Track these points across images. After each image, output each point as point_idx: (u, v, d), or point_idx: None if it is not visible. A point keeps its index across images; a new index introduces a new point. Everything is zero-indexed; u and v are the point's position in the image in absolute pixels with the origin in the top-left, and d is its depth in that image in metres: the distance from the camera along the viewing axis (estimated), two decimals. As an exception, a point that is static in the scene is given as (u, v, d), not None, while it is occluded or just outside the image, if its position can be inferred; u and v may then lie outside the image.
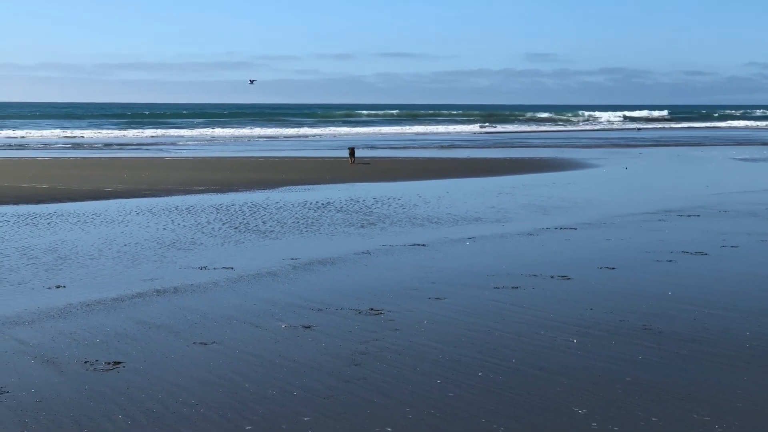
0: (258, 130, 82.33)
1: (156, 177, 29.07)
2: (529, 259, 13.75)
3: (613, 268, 12.92)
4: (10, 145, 53.80)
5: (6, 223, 17.83)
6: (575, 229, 17.21)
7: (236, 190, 24.92)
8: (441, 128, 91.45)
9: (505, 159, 40.66)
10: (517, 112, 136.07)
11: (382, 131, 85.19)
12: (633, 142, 59.09)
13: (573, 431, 6.48)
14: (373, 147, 52.46)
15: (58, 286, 11.71)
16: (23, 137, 66.76)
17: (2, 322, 9.71)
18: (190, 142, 59.81)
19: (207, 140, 64.52)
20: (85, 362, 8.24)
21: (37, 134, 70.32)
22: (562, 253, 14.39)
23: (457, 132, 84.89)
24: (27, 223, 17.85)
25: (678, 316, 9.99)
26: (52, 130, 75.50)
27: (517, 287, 11.59)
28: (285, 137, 71.59)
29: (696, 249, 14.55)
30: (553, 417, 6.77)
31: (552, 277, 12.22)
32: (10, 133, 71.67)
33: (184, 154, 44.68)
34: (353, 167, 34.20)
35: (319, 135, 77.16)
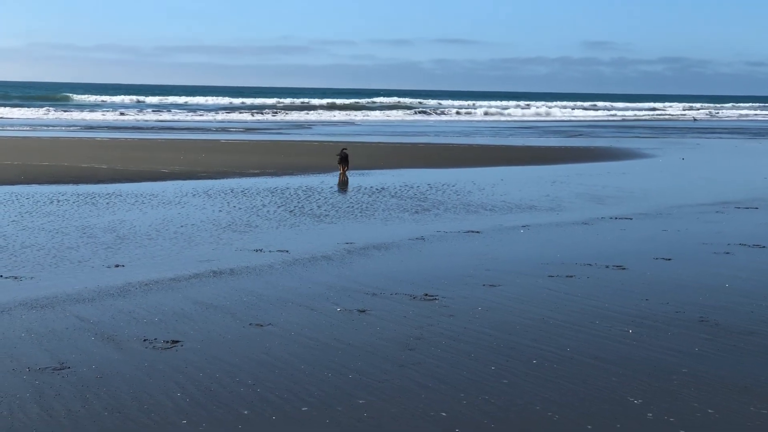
0: (320, 114, 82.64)
1: (212, 159, 29.32)
2: (583, 248, 13.69)
3: (669, 259, 12.82)
4: (68, 126, 54.56)
5: (66, 202, 18.13)
6: (631, 219, 17.10)
7: (291, 174, 25.07)
8: (500, 115, 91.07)
9: (560, 147, 40.42)
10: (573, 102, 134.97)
11: (430, 119, 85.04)
12: (690, 133, 58.42)
13: (628, 421, 6.47)
14: (424, 134, 52.42)
15: (117, 265, 11.89)
16: (83, 118, 67.62)
17: (63, 299, 9.90)
18: (243, 124, 60.20)
19: (260, 122, 64.89)
20: (144, 340, 8.37)
21: (98, 116, 71.15)
22: (617, 243, 14.31)
23: (511, 119, 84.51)
24: (86, 203, 18.13)
25: (735, 308, 9.90)
26: (111, 111, 76.37)
27: (571, 276, 11.55)
28: (344, 122, 71.74)
29: (754, 242, 14.39)
30: (608, 406, 6.77)
31: (607, 267, 12.17)
32: (65, 114, 72.63)
33: (240, 137, 44.98)
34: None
35: (369, 119, 77.27)
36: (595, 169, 28.97)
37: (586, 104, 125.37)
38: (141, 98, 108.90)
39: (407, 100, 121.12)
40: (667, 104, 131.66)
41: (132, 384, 7.13)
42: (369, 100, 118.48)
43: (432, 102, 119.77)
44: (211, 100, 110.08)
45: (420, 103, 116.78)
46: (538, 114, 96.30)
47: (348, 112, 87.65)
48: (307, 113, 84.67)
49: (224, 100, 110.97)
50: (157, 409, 6.58)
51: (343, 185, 22.59)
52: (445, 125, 68.13)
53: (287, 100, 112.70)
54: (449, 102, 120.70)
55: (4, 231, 14.45)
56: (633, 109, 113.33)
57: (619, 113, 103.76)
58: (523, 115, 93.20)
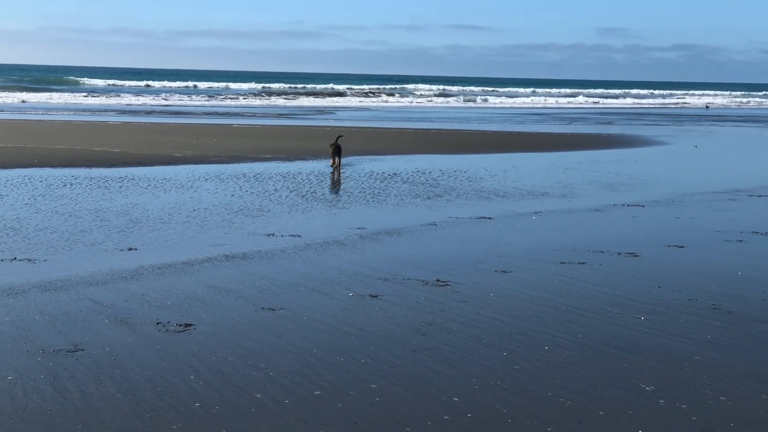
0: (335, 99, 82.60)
1: (224, 144, 29.35)
2: (596, 235, 13.68)
3: (681, 247, 12.80)
4: (81, 110, 54.66)
5: (79, 186, 18.18)
6: (643, 206, 17.06)
7: (303, 159, 25.08)
8: (512, 101, 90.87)
9: (572, 134, 40.34)
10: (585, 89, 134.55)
11: (437, 104, 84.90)
12: (703, 120, 58.21)
13: (640, 408, 6.48)
14: (431, 120, 52.36)
15: (130, 249, 11.93)
16: (94, 102, 67.71)
17: (77, 282, 9.94)
18: (255, 109, 60.21)
19: (271, 107, 64.87)
20: (157, 323, 8.40)
21: (110, 100, 71.22)
22: (629, 230, 14.29)
23: (521, 105, 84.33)
24: (99, 186, 18.18)
25: (748, 296, 9.89)
26: (123, 95, 76.44)
27: (583, 263, 11.54)
28: (357, 108, 71.67)
29: (767, 229, 14.35)
30: (620, 393, 6.77)
31: (619, 254, 12.15)
32: (77, 98, 72.74)
33: (251, 122, 45.00)
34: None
35: (385, 105, 77.16)
36: (607, 156, 28.91)
37: (598, 91, 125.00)
38: (153, 82, 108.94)
39: (433, 87, 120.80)
40: (684, 92, 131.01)
41: (145, 367, 7.17)
42: (399, 85, 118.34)
43: (454, 88, 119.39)
44: (224, 85, 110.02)
45: (443, 89, 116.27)
46: (549, 101, 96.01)
47: (365, 98, 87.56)
48: (323, 98, 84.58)
49: (239, 85, 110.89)
50: (171, 392, 6.61)
51: (336, 184, 19.94)
52: (462, 111, 68.02)
53: (299, 86, 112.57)
54: (470, 88, 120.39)
55: (17, 214, 14.50)
56: (647, 97, 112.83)
57: (635, 101, 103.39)
58: (533, 102, 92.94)
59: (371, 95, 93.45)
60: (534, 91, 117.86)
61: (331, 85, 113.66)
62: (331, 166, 22.40)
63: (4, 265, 10.82)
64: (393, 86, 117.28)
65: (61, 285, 9.76)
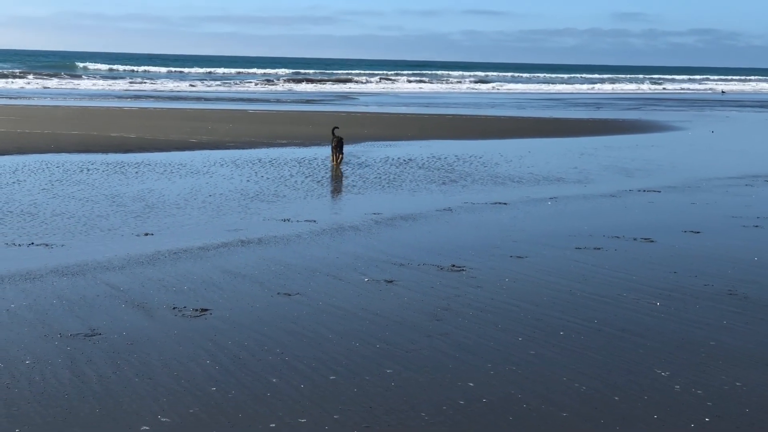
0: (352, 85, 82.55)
1: (240, 129, 29.38)
2: (611, 221, 13.66)
3: (698, 232, 12.77)
4: (96, 96, 54.79)
5: (96, 171, 18.25)
6: (659, 192, 17.02)
7: (319, 144, 25.08)
8: (528, 86, 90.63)
9: (587, 119, 40.21)
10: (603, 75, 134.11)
11: (455, 89, 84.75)
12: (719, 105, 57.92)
13: (655, 393, 6.48)
14: (448, 105, 52.27)
15: (146, 234, 11.98)
16: (109, 88, 67.86)
17: (94, 266, 9.99)
18: (270, 95, 60.23)
19: (287, 93, 64.88)
20: (174, 308, 8.44)
21: (125, 86, 71.35)
22: (645, 216, 14.26)
23: (537, 90, 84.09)
24: (115, 172, 18.24)
25: (764, 282, 9.86)
26: (139, 81, 76.56)
27: (599, 248, 11.53)
28: (374, 92, 71.60)
29: (784, 215, 14.29)
30: (635, 378, 6.77)
31: (635, 240, 12.13)
32: (93, 83, 72.90)
33: (267, 107, 45.03)
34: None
35: (404, 90, 77.09)
36: (623, 141, 28.82)
37: (614, 76, 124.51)
38: (169, 68, 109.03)
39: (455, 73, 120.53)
40: (703, 77, 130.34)
41: (162, 351, 7.21)
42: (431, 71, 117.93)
43: (492, 74, 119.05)
44: (239, 71, 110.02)
45: (484, 75, 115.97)
46: (565, 87, 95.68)
47: (382, 83, 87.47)
48: (341, 84, 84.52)
49: (254, 71, 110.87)
50: (187, 376, 6.65)
51: (337, 180, 18.22)
52: (478, 96, 67.88)
53: (315, 71, 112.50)
54: (496, 74, 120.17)
55: (35, 199, 14.57)
56: (664, 82, 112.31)
57: (651, 87, 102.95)
58: (549, 88, 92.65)
59: (389, 80, 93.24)
60: (550, 77, 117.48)
61: (347, 72, 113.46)
62: (332, 162, 20.07)
63: (21, 249, 10.89)
64: (425, 72, 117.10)
65: (78, 270, 9.82)
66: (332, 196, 15.81)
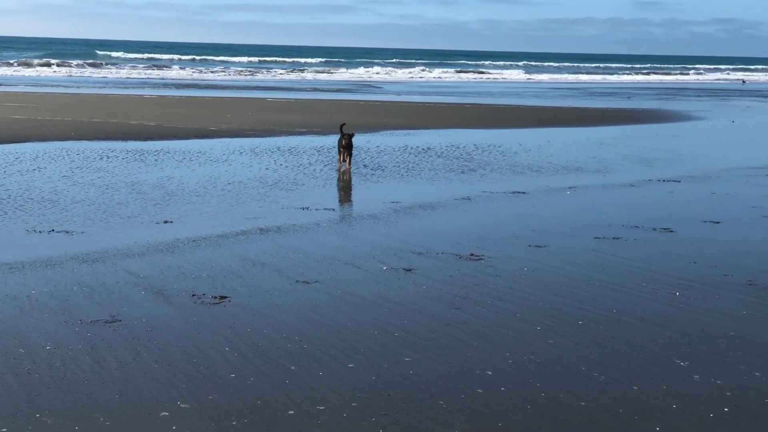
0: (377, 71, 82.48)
1: (259, 118, 29.41)
2: (630, 211, 13.61)
3: (718, 222, 12.71)
4: (116, 84, 54.94)
5: (116, 159, 18.32)
6: (679, 181, 16.95)
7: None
8: (547, 75, 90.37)
9: (607, 109, 40.05)
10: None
11: (469, 78, 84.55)
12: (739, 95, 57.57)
13: (674, 382, 6.46)
14: (467, 95, 52.17)
15: (165, 221, 12.02)
16: (129, 76, 68.04)
17: (114, 253, 10.03)
18: (289, 83, 60.26)
19: (305, 81, 64.89)
20: (193, 295, 8.48)
21: (144, 74, 71.50)
22: (665, 206, 14.20)
23: (556, 80, 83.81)
24: (135, 159, 18.30)
25: (784, 273, 9.81)
26: (157, 69, 76.72)
27: (618, 238, 11.50)
28: (394, 81, 71.52)
29: (805, 206, 14.21)
30: (654, 368, 6.76)
31: (654, 230, 12.09)
32: (113, 72, 73.09)
33: (286, 95, 45.05)
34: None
35: (424, 78, 76.95)
36: (643, 131, 28.69)
37: (635, 66, 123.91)
38: (188, 56, 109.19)
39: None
40: (725, 66, 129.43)
41: (181, 338, 7.24)
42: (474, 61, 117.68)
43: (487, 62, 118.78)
44: (258, 59, 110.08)
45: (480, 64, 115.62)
46: (584, 77, 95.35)
47: (406, 70, 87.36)
48: (360, 72, 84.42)
49: (273, 59, 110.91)
50: (206, 363, 6.68)
51: (346, 188, 15.93)
52: (497, 85, 67.71)
53: (327, 59, 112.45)
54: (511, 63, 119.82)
55: (55, 186, 14.64)
56: (684, 72, 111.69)
57: (672, 76, 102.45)
58: (569, 77, 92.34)
59: (407, 69, 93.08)
60: (569, 66, 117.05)
61: (366, 60, 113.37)
62: (339, 163, 17.86)
63: (42, 236, 10.95)
64: (444, 61, 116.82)
65: (98, 257, 9.86)
66: (351, 185, 15.82)
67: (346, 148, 17.60)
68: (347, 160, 17.61)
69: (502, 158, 20.12)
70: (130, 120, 27.17)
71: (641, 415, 5.91)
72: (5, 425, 5.55)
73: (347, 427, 5.65)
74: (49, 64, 74.91)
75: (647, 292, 8.91)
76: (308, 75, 78.24)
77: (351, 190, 15.39)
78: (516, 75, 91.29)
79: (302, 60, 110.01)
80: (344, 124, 18.75)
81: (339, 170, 17.44)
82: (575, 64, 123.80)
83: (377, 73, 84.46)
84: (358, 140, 22.85)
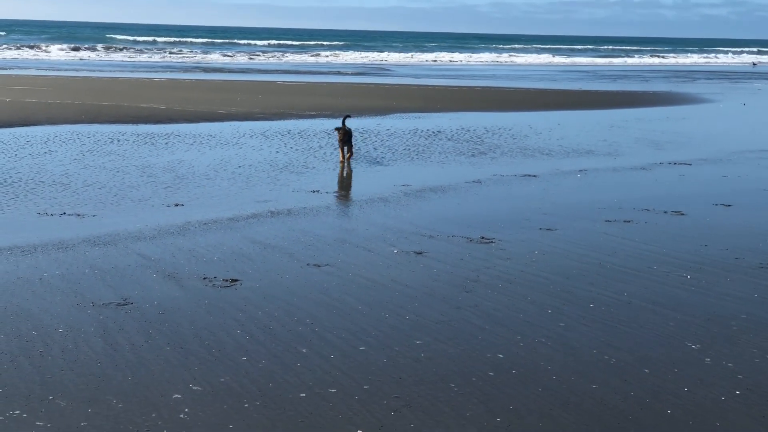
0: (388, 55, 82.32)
1: (268, 101, 29.39)
2: (641, 194, 13.58)
3: (729, 205, 12.68)
4: (125, 67, 54.95)
5: (126, 142, 18.34)
6: (690, 164, 16.90)
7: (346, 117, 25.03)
8: (558, 58, 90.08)
9: (617, 92, 39.92)
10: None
11: (483, 59, 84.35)
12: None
13: (686, 365, 6.46)
14: (477, 77, 52.04)
15: (176, 204, 12.04)
16: (138, 60, 68.01)
17: (125, 236, 10.06)
18: (299, 66, 60.19)
19: (315, 65, 64.80)
20: (204, 278, 8.49)
21: (156, 57, 71.44)
22: (676, 189, 14.17)
23: (566, 63, 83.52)
24: (146, 143, 18.32)
25: (796, 256, 9.78)
26: (167, 52, 76.65)
27: (629, 221, 11.48)
28: (403, 64, 71.36)
29: (817, 189, 14.16)
30: (665, 351, 6.76)
31: (665, 212, 12.07)
32: (122, 55, 73.06)
33: (295, 78, 45.00)
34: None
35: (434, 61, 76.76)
36: (653, 113, 28.61)
37: (646, 48, 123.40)
38: (199, 39, 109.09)
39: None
40: (739, 49, 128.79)
41: (193, 321, 7.26)
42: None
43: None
44: (268, 42, 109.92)
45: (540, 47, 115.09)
46: (595, 60, 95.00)
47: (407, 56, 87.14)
48: (371, 56, 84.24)
49: (283, 42, 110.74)
50: (218, 345, 6.70)
51: (356, 171, 15.67)
52: (507, 68, 67.53)
53: (338, 42, 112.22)
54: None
55: (66, 169, 14.67)
56: (695, 53, 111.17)
57: (682, 59, 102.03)
58: (579, 60, 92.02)
59: (418, 52, 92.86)
60: (581, 48, 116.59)
61: (373, 47, 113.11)
62: (341, 161, 16.36)
63: (53, 219, 10.98)
64: (453, 44, 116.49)
65: (110, 240, 9.89)
66: (361, 168, 15.81)
67: (344, 142, 16.34)
68: (348, 156, 16.38)
69: (513, 141, 20.08)
70: (141, 103, 27.18)
71: (652, 397, 5.92)
72: (19, 407, 5.58)
73: (359, 410, 5.66)
74: (60, 48, 74.90)
75: (658, 275, 8.90)
76: (320, 59, 78.10)
77: (361, 173, 15.37)
78: (527, 58, 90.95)
79: (313, 43, 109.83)
80: (348, 116, 17.56)
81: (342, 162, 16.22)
82: (586, 47, 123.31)
83: (388, 57, 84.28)
84: (368, 123, 22.80)
